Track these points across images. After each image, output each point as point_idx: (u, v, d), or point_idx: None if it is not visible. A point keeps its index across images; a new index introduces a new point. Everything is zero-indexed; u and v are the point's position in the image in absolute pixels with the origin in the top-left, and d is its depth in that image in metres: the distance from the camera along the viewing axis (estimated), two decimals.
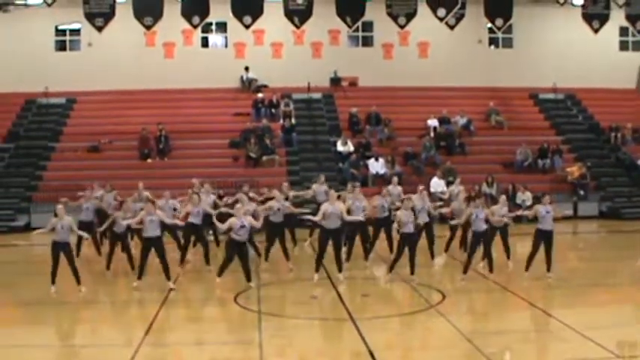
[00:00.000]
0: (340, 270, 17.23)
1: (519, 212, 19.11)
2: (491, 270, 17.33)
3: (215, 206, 20.56)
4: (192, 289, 17.40)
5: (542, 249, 17.10)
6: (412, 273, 17.07)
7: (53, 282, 16.27)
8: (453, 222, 19.17)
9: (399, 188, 21.78)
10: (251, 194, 21.54)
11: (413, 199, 19.24)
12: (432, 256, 19.35)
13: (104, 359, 11.83)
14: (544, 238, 17.05)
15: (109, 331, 13.80)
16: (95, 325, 14.29)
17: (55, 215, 16.68)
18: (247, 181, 24.82)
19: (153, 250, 16.57)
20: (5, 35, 33.32)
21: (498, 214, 17.66)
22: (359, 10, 28.62)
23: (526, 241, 18.11)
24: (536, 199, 20.52)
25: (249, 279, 16.64)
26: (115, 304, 16.17)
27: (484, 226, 17.12)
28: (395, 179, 22.98)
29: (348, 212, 17.92)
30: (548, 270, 17.12)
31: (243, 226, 16.42)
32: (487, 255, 17.36)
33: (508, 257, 18.51)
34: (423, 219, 18.38)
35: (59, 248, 16.34)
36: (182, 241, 19.36)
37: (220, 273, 16.81)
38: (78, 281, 16.39)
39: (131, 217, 17.53)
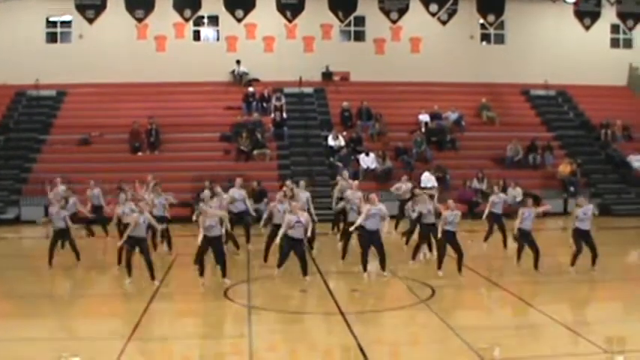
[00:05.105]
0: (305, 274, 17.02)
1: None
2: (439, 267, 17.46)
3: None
4: (181, 284, 17.34)
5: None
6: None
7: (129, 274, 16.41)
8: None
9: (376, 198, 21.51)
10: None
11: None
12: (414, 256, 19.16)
13: (94, 352, 11.80)
14: (524, 237, 17.56)
15: (99, 324, 13.76)
16: (85, 318, 14.28)
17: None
18: (241, 175, 24.78)
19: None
20: None
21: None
22: (351, 4, 28.64)
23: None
24: (526, 195, 20.71)
25: (305, 273, 16.69)
26: (104, 298, 16.09)
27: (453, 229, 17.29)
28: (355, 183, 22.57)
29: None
30: (535, 267, 17.35)
31: (299, 222, 16.50)
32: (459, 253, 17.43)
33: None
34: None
35: (135, 243, 16.43)
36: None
37: (280, 264, 17.02)
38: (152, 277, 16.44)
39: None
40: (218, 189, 20.60)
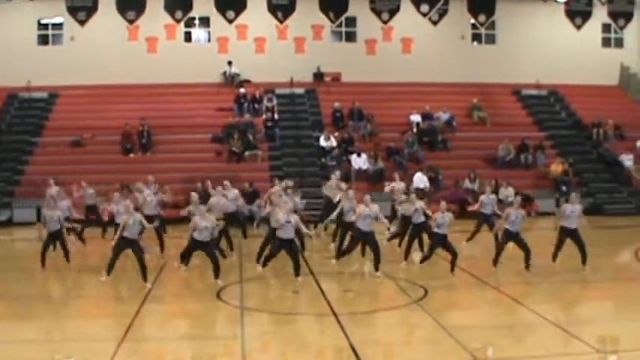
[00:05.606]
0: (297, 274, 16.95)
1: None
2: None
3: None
4: (174, 285, 17.32)
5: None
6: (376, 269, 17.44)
7: (109, 273, 16.58)
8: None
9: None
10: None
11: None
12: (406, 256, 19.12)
13: (87, 354, 11.79)
14: (511, 238, 17.61)
15: (92, 325, 13.75)
16: (78, 320, 14.25)
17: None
18: (231, 176, 24.79)
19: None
20: None
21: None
22: (342, 5, 28.68)
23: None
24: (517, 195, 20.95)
25: (297, 274, 16.71)
26: (97, 300, 16.05)
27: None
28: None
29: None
30: (527, 268, 17.41)
31: (289, 222, 16.55)
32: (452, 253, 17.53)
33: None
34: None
35: (127, 244, 16.46)
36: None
37: (265, 264, 17.43)
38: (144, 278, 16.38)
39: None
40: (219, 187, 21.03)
